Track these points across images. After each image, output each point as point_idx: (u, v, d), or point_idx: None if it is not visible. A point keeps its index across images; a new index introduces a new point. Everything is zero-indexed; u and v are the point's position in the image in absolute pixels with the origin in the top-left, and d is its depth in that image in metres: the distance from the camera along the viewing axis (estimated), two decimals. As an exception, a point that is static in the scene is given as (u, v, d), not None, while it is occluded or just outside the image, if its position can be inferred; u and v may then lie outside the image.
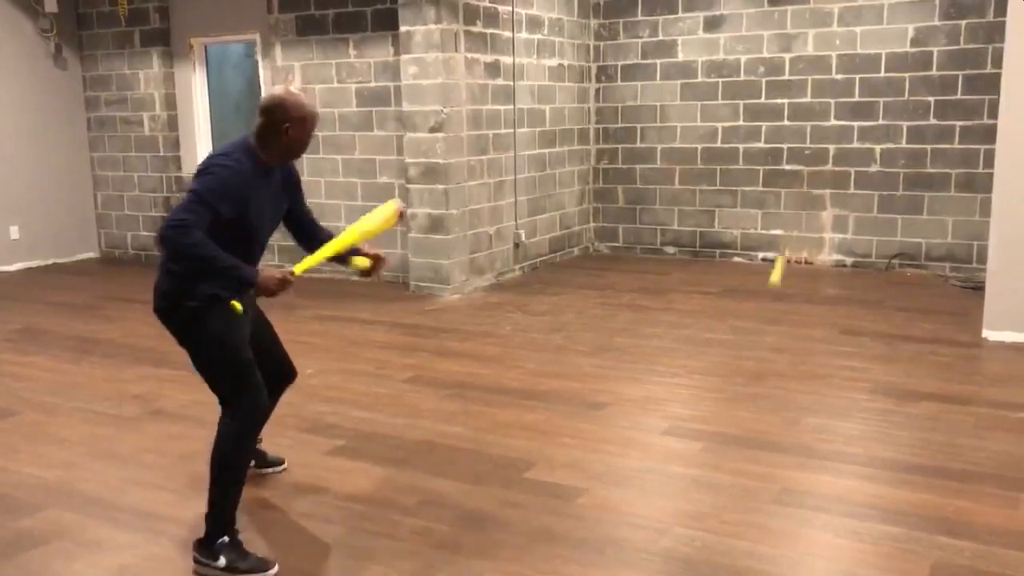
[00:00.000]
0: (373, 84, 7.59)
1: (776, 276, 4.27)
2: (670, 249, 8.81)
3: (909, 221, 7.74)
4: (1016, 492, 3.42)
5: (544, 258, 8.43)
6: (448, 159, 7.02)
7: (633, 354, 5.43)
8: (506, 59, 7.59)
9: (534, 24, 7.96)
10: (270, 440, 3.73)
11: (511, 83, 7.68)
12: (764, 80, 8.11)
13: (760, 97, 8.15)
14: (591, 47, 8.86)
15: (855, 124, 7.81)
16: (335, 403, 4.58)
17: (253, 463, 3.52)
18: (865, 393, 4.61)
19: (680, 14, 8.38)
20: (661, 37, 8.51)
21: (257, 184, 2.95)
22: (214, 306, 2.91)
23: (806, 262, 8.17)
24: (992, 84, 6.81)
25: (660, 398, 4.65)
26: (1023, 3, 5.22)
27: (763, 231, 8.34)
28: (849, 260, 8.01)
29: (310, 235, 3.34)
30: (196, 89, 8.80)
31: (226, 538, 2.93)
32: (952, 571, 2.87)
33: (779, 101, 8.08)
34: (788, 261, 4.26)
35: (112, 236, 9.39)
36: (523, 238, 8.03)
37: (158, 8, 8.67)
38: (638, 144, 8.81)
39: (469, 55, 7.15)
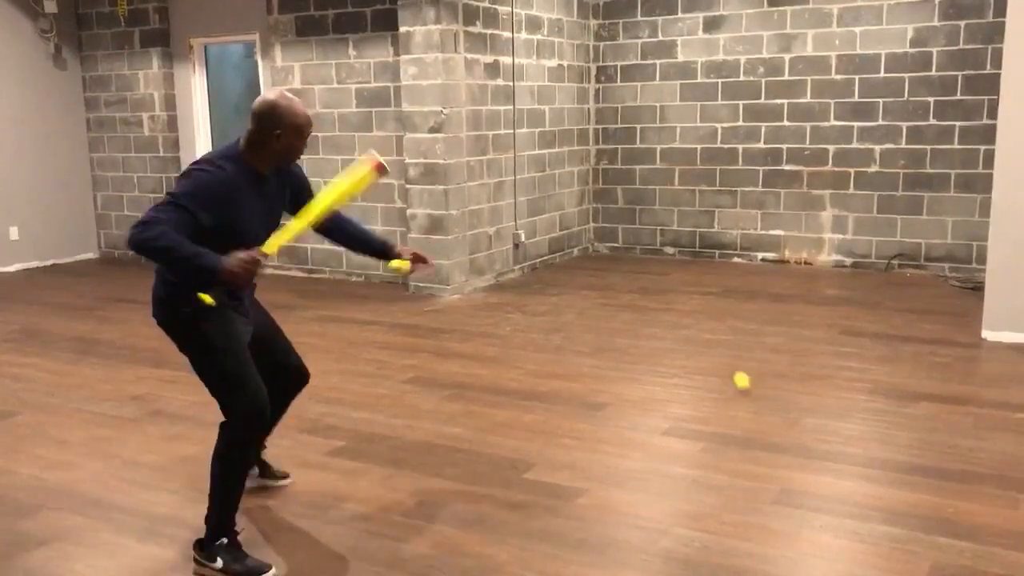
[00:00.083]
0: (373, 84, 7.59)
1: (742, 383, 4.22)
2: (670, 250, 8.81)
3: (909, 221, 7.75)
4: (1016, 492, 3.42)
5: (544, 259, 8.43)
6: (448, 160, 7.02)
7: (633, 355, 5.43)
8: (506, 60, 7.60)
9: (534, 25, 7.96)
10: (270, 440, 3.73)
11: (511, 84, 7.68)
12: (764, 80, 8.11)
13: (760, 97, 8.15)
14: (591, 48, 8.86)
15: (855, 124, 7.81)
16: (335, 404, 4.58)
17: (258, 474, 3.52)
18: (864, 393, 4.61)
19: (680, 15, 8.38)
20: (661, 38, 8.51)
21: (246, 191, 2.87)
22: (210, 311, 2.90)
23: (806, 263, 8.18)
24: (991, 84, 6.81)
25: (660, 399, 4.65)
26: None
27: (763, 231, 8.34)
28: (849, 260, 8.02)
29: (339, 227, 3.29)
30: (196, 90, 8.80)
31: (224, 540, 2.93)
32: (951, 571, 2.87)
33: (779, 101, 8.08)
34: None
35: (112, 237, 9.39)
36: (523, 239, 8.03)
37: (158, 8, 8.67)
38: (638, 144, 8.81)
39: (469, 56, 7.15)
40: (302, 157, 3.13)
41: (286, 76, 7.93)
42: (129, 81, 8.98)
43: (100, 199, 9.42)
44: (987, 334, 5.59)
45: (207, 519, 2.96)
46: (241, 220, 2.87)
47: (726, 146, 8.38)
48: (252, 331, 3.10)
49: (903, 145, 7.67)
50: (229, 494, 2.96)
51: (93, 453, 4.01)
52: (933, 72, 7.47)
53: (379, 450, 3.98)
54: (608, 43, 8.80)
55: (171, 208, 2.74)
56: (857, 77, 7.73)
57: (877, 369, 5.03)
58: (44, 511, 3.42)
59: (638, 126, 8.78)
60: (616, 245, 9.11)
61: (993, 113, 6.62)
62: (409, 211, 7.23)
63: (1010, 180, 5.43)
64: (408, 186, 7.24)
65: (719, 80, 8.30)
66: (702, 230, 8.64)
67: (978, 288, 6.36)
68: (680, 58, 8.44)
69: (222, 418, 2.97)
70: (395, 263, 3.23)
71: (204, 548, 2.94)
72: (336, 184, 2.98)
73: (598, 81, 8.92)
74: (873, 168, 7.80)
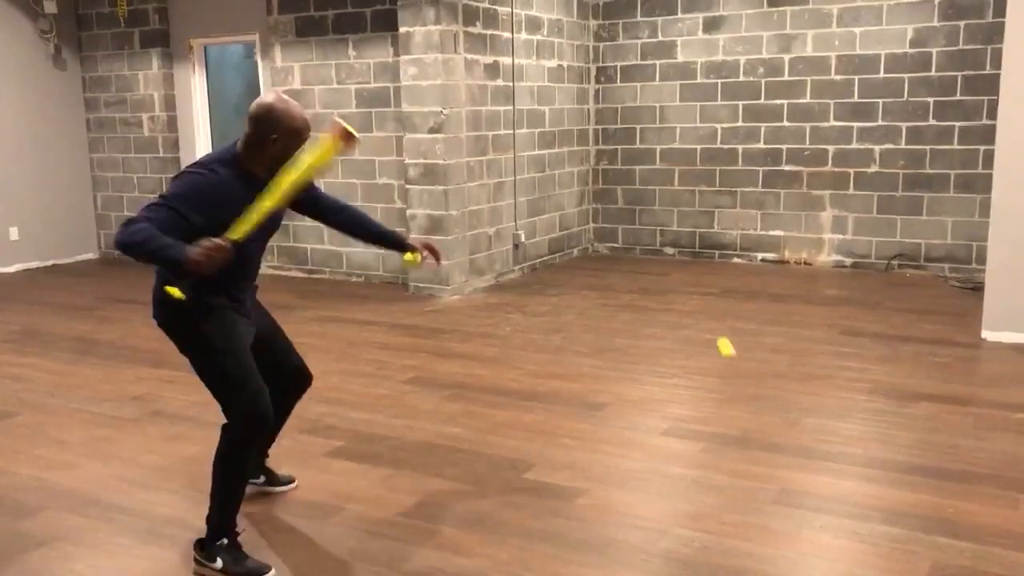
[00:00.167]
0: (372, 85, 7.59)
1: (726, 350, 4.15)
2: (669, 250, 8.82)
3: (908, 222, 7.75)
4: (1015, 492, 3.42)
5: (544, 259, 8.43)
6: (448, 160, 7.02)
7: (633, 355, 5.43)
8: (505, 60, 7.60)
9: (533, 25, 7.96)
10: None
11: (510, 84, 7.68)
12: (763, 81, 8.12)
13: (759, 98, 8.15)
14: (590, 48, 8.86)
15: (854, 125, 7.82)
16: (334, 404, 4.58)
17: (263, 480, 3.52)
18: (864, 394, 4.61)
19: (679, 15, 8.39)
20: (660, 38, 8.51)
21: (239, 193, 2.83)
22: (209, 313, 2.90)
23: (806, 263, 8.18)
24: (991, 85, 6.81)
25: (659, 399, 4.65)
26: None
27: (763, 232, 8.35)
28: (848, 261, 8.02)
29: (355, 220, 3.30)
30: (195, 90, 8.80)
31: (225, 540, 2.94)
32: (951, 571, 2.87)
33: (778, 102, 8.08)
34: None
35: (112, 237, 9.33)
36: (523, 239, 8.03)
37: (157, 9, 8.68)
38: (637, 145, 8.81)
39: (468, 56, 7.16)
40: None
41: (286, 76, 7.93)
42: (129, 82, 8.98)
43: (100, 199, 9.42)
44: (987, 334, 5.59)
45: (208, 519, 2.96)
46: (233, 222, 2.83)
47: (726, 146, 8.38)
48: (255, 331, 3.10)
49: (903, 145, 7.67)
50: (230, 495, 2.96)
51: (93, 453, 4.01)
52: (933, 72, 7.47)
53: (379, 450, 3.98)
54: (608, 43, 8.80)
55: (160, 208, 2.74)
56: (857, 77, 7.73)
57: (877, 369, 5.03)
58: (44, 511, 3.42)
59: (638, 126, 8.78)
60: (616, 245, 9.11)
61: (993, 113, 6.63)
62: (409, 211, 7.24)
63: (1010, 180, 5.43)
64: (408, 186, 7.24)
65: (719, 80, 8.30)
66: (702, 230, 8.64)
67: (978, 288, 6.37)
68: (680, 58, 8.45)
69: (222, 418, 2.97)
70: (409, 256, 3.25)
71: (204, 548, 2.94)
72: (301, 159, 2.83)
73: (598, 81, 8.93)
74: (873, 168, 7.81)
